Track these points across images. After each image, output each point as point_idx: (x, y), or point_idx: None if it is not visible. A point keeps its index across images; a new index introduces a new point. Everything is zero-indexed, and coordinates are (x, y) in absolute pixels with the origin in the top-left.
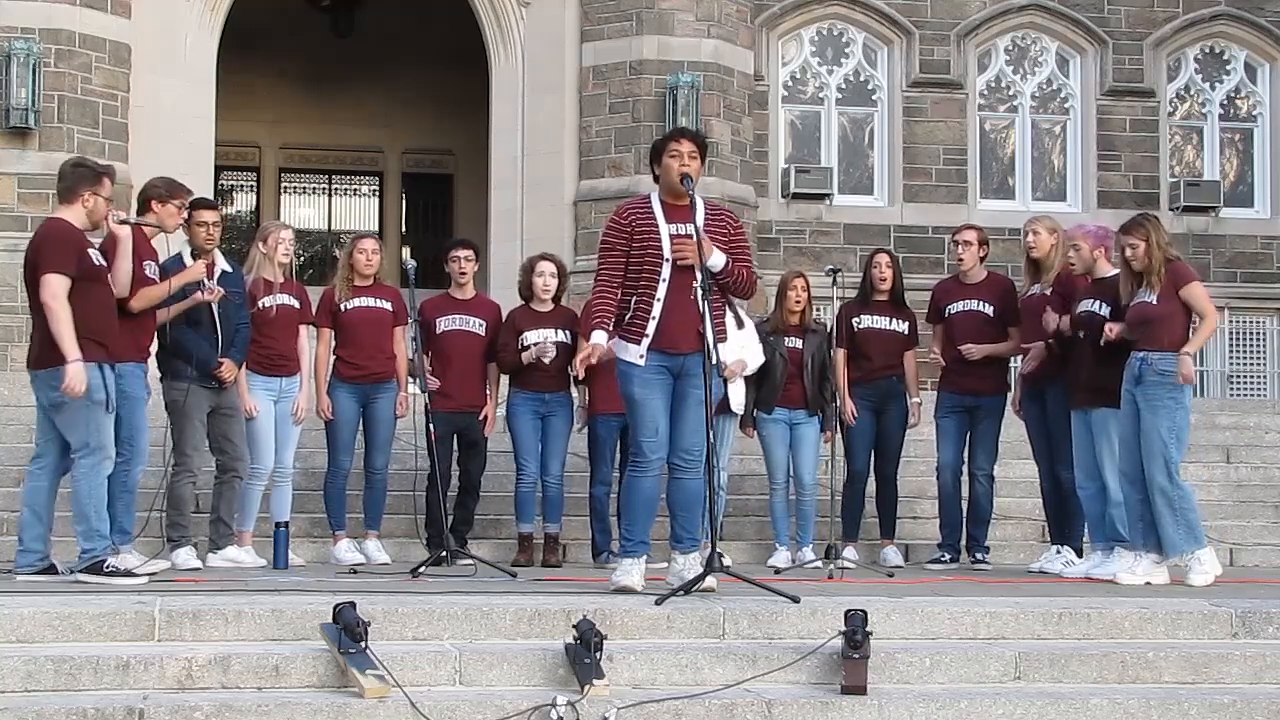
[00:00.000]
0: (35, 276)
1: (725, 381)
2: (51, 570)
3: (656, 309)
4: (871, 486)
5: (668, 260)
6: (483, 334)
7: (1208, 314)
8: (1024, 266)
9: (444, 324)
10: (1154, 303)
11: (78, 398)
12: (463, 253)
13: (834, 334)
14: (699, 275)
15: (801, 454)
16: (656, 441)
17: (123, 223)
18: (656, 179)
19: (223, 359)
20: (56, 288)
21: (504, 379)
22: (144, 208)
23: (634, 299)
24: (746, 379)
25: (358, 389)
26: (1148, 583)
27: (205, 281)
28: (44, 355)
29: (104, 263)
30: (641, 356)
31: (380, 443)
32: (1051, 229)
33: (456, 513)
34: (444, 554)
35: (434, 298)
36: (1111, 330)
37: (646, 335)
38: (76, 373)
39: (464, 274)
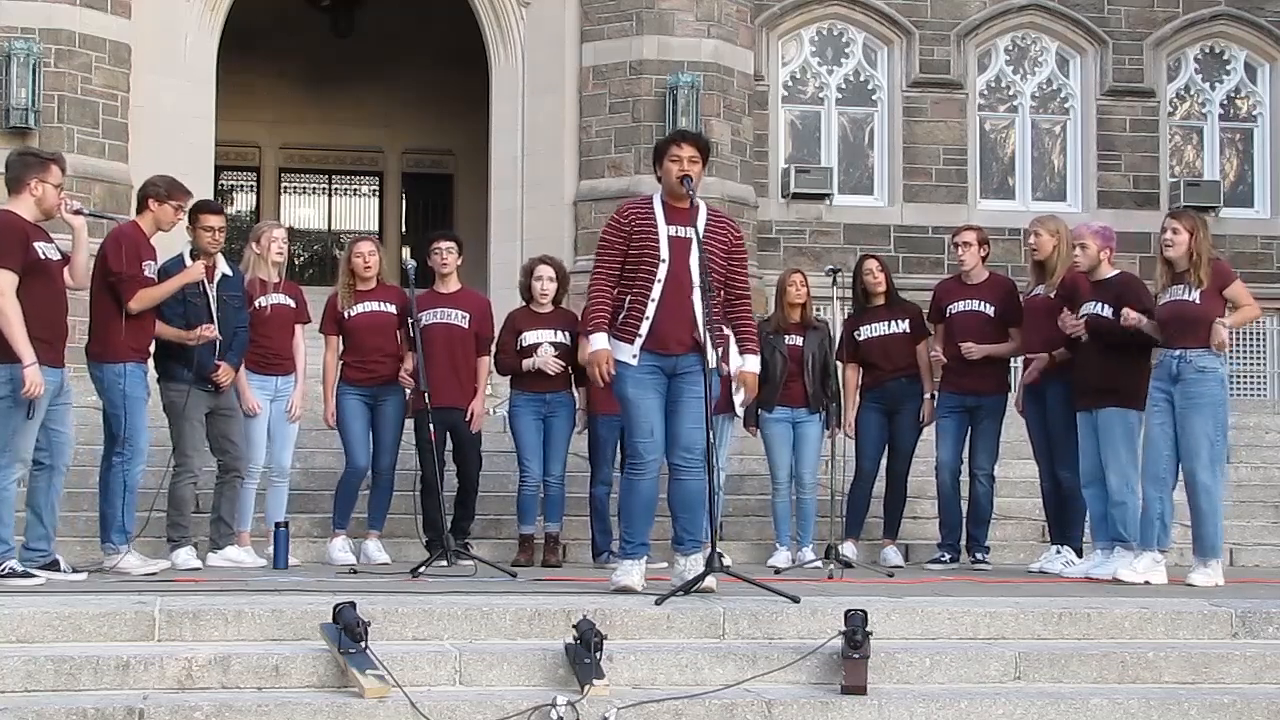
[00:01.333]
0: None
1: (728, 380)
2: (53, 566)
3: (650, 309)
4: (878, 486)
5: (664, 261)
6: (465, 326)
7: (1252, 304)
8: (1029, 267)
9: (426, 318)
10: (1196, 301)
11: (35, 398)
12: (444, 244)
13: (838, 346)
14: (695, 276)
15: (803, 453)
16: (652, 443)
17: (76, 213)
18: (660, 179)
19: (219, 362)
20: (3, 285)
21: (499, 379)
22: (143, 206)
23: (629, 298)
24: None
25: (365, 390)
26: (1147, 581)
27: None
28: None
29: (55, 256)
30: (634, 356)
31: (387, 444)
32: (1054, 230)
33: (457, 510)
34: (444, 553)
35: (421, 294)
36: (1129, 315)
37: (639, 335)
38: (32, 376)
39: (445, 265)
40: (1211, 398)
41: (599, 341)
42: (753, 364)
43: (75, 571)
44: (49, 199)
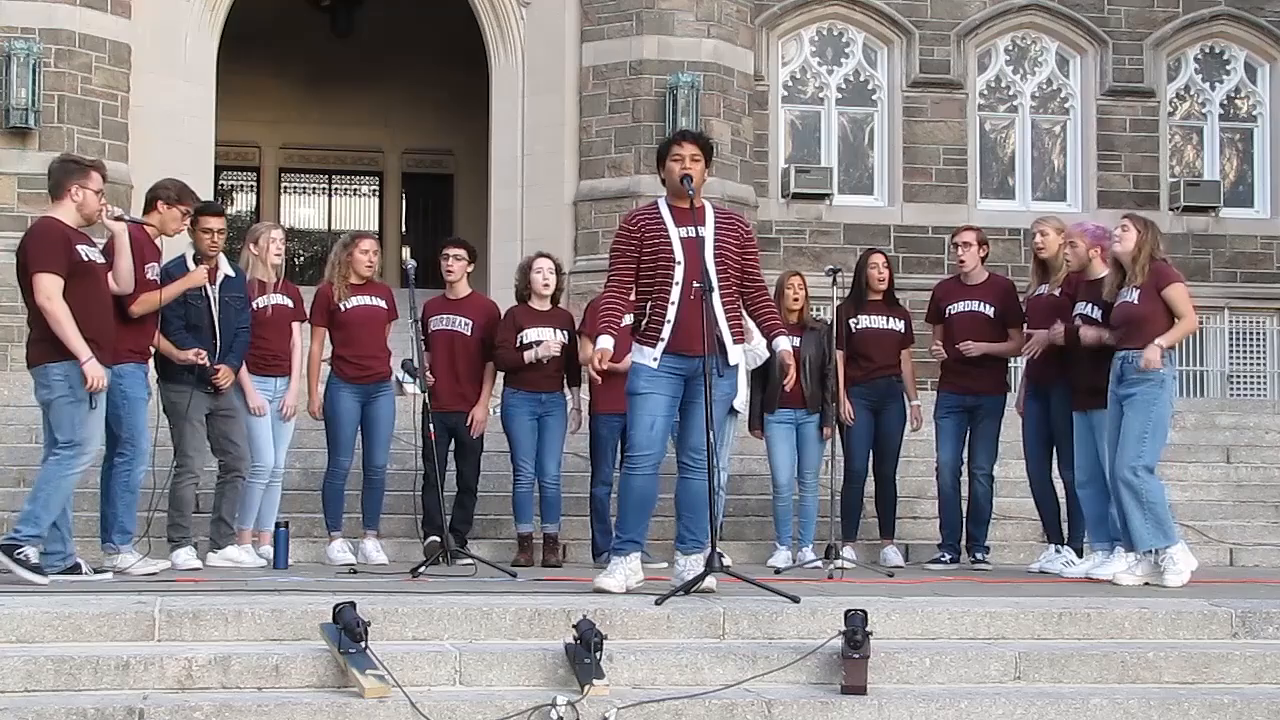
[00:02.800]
0: (26, 277)
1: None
2: (75, 570)
3: (671, 313)
4: (871, 486)
5: (679, 263)
6: (469, 334)
7: (1186, 316)
8: (1031, 267)
9: (433, 324)
10: (1135, 302)
11: (99, 392)
12: (453, 251)
13: (834, 335)
14: (713, 277)
15: (806, 453)
16: (651, 437)
17: (118, 219)
18: (664, 182)
19: (219, 364)
20: (50, 288)
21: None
22: (151, 207)
23: (649, 304)
24: (750, 377)
25: (359, 388)
26: (1146, 583)
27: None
28: (33, 353)
29: (99, 259)
30: (655, 360)
31: (380, 441)
32: (1059, 229)
33: (455, 512)
34: (444, 553)
35: (432, 299)
36: (1087, 335)
37: (662, 340)
38: (92, 371)
39: (452, 272)
40: (1146, 397)
41: (603, 342)
42: (787, 343)
43: (98, 572)
44: (90, 205)
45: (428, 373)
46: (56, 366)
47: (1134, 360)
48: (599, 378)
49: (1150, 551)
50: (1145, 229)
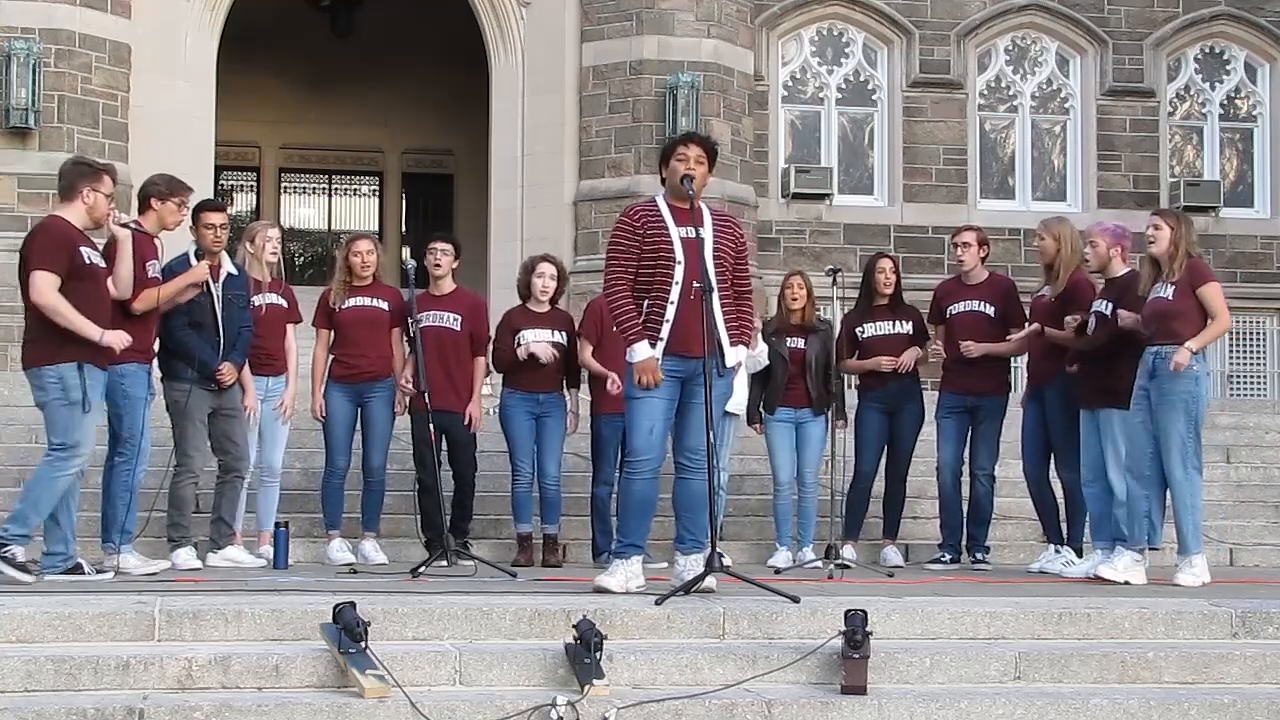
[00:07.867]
0: (26, 273)
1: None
2: (77, 570)
3: (670, 312)
4: (877, 486)
5: (679, 263)
6: (458, 329)
7: (1220, 315)
8: (1043, 267)
9: (420, 321)
10: (1169, 298)
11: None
12: (439, 246)
13: (837, 342)
14: (712, 278)
15: (806, 453)
16: (650, 442)
17: (123, 225)
18: (664, 181)
19: (223, 362)
20: (43, 285)
21: (498, 378)
22: (144, 205)
23: (647, 303)
24: (750, 378)
25: (351, 388)
26: (1126, 581)
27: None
28: (30, 354)
29: (100, 262)
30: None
31: (377, 442)
32: (1056, 234)
33: (455, 511)
34: (444, 553)
35: (417, 296)
36: (1124, 316)
37: (661, 339)
38: (113, 339)
39: (439, 267)
40: (1184, 394)
41: (644, 350)
42: (743, 353)
43: (100, 571)
44: (99, 208)
45: (413, 377)
46: (50, 369)
47: (1167, 356)
48: (655, 383)
49: (1150, 546)
50: (1178, 224)
